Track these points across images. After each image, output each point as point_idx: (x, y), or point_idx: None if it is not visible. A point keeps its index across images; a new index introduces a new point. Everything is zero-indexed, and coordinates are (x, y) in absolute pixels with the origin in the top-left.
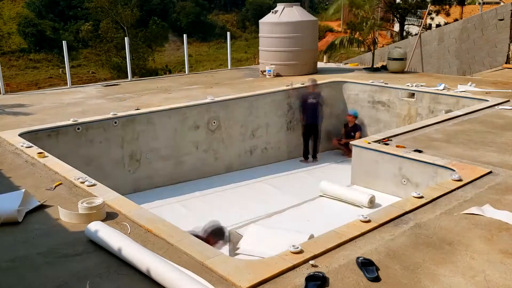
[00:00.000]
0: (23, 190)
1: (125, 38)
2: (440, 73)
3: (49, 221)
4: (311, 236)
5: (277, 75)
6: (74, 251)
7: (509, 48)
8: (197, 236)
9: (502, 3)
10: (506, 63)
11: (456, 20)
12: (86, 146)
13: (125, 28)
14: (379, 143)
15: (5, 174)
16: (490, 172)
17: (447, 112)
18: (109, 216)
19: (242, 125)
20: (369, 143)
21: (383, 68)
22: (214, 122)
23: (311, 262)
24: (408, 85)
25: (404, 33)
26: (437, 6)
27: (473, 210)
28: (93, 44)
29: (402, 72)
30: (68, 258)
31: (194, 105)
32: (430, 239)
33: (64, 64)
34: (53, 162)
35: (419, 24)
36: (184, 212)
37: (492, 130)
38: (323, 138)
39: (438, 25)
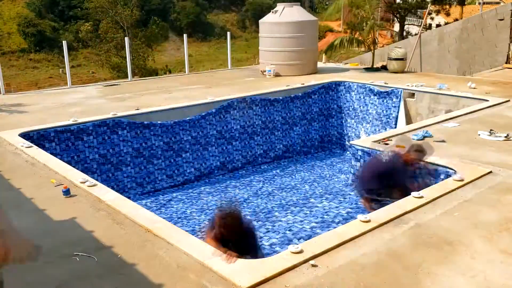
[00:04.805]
0: None
1: (125, 38)
2: (440, 73)
3: (49, 221)
4: None
5: (277, 75)
6: (74, 251)
7: (509, 48)
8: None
9: (502, 3)
10: (506, 63)
11: (456, 20)
12: None
13: (125, 28)
14: (379, 143)
15: (5, 174)
16: (490, 172)
17: (447, 112)
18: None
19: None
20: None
21: (383, 68)
22: None
23: (311, 262)
24: (408, 85)
25: (404, 33)
26: (437, 6)
27: None
28: (93, 44)
29: (402, 72)
30: (68, 258)
31: (194, 105)
32: (430, 239)
33: (64, 64)
34: (53, 162)
35: (419, 24)
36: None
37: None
38: None
39: (438, 25)
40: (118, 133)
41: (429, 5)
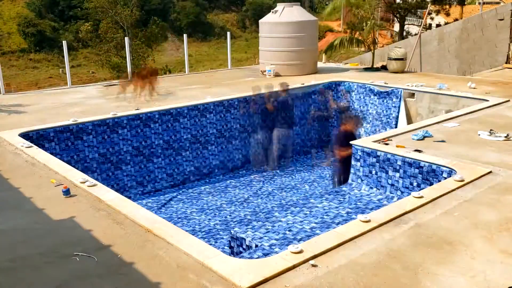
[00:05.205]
0: None
1: (125, 38)
2: (440, 73)
3: (49, 221)
4: None
5: (277, 75)
6: (74, 251)
7: (509, 48)
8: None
9: (502, 3)
10: (506, 63)
11: (456, 20)
12: None
13: (125, 28)
14: (379, 143)
15: (5, 174)
16: (490, 172)
17: (447, 112)
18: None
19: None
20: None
21: (383, 68)
22: None
23: (311, 262)
24: (408, 85)
25: (404, 33)
26: (437, 6)
27: None
28: (93, 44)
29: (402, 72)
30: (68, 258)
31: (194, 104)
32: (430, 239)
33: (64, 64)
34: (53, 162)
35: (419, 24)
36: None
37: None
38: None
39: (438, 25)
40: (118, 132)
41: (429, 5)
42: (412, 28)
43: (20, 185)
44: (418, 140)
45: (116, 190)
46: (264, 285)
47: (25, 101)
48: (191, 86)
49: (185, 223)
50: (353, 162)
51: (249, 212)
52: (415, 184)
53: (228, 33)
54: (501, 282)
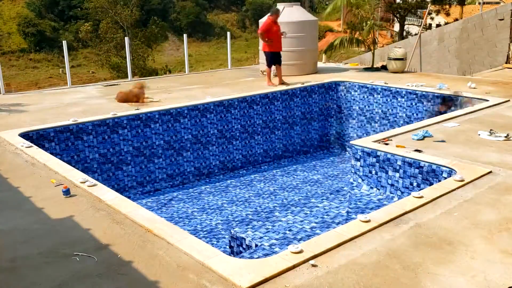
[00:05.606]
0: None
1: (125, 38)
2: (440, 73)
3: (49, 221)
4: None
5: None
6: (74, 251)
7: (509, 48)
8: None
9: (502, 3)
10: (506, 63)
11: (456, 20)
12: None
13: (125, 28)
14: (379, 143)
15: (5, 174)
16: (490, 172)
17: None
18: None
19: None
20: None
21: (383, 68)
22: None
23: (311, 262)
24: (408, 85)
25: (404, 33)
26: (437, 6)
27: None
28: (92, 44)
29: (402, 72)
30: (68, 258)
31: (193, 104)
32: (430, 239)
33: (64, 64)
34: (53, 162)
35: (419, 24)
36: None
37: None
38: None
39: (438, 25)
40: (118, 132)
41: (429, 5)
42: (412, 28)
43: (20, 185)
44: (418, 140)
45: (117, 190)
46: (264, 285)
47: (25, 101)
48: (191, 86)
49: (187, 222)
50: (353, 162)
51: (251, 212)
52: (415, 184)
53: (228, 33)
54: (501, 282)
